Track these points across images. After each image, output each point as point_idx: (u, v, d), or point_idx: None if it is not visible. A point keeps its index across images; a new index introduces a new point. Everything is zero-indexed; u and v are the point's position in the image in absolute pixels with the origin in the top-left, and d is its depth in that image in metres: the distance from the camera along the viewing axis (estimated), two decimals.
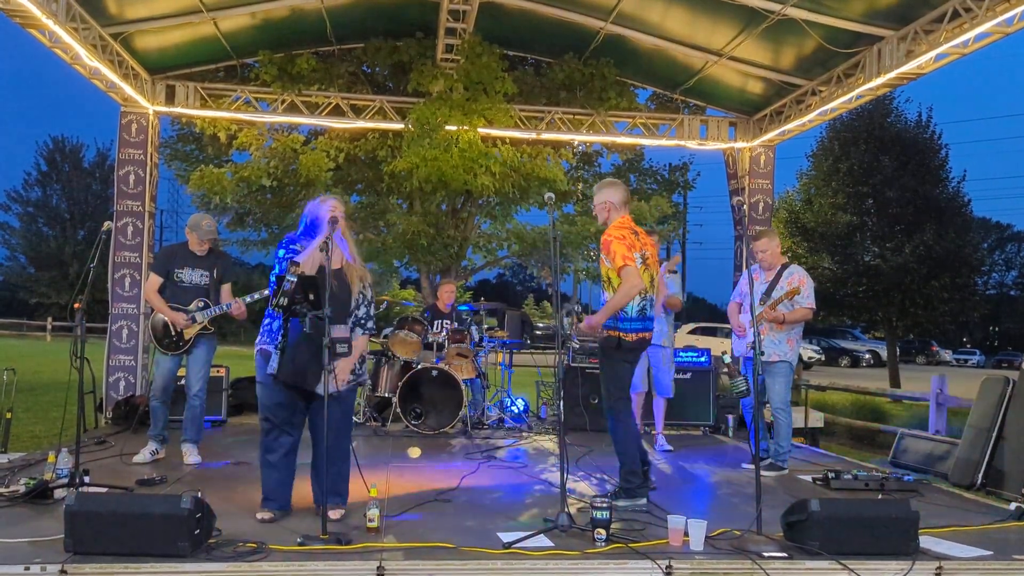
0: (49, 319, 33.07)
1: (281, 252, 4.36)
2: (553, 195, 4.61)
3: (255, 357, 4.41)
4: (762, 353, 4.13)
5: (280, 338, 4.20)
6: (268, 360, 4.29)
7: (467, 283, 13.74)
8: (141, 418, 7.23)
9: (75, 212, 42.48)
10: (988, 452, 6.90)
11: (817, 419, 8.75)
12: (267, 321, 4.36)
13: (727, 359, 4.44)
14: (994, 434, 6.92)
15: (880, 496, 4.88)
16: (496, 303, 9.06)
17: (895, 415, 11.23)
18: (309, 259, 4.17)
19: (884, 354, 32.94)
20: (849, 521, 3.82)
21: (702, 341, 28.23)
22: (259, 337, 4.41)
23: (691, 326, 34.38)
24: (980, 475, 6.81)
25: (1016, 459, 6.61)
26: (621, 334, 4.84)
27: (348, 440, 4.50)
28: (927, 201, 17.79)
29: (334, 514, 4.27)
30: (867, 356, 33.95)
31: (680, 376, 8.50)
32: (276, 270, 4.30)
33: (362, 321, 4.48)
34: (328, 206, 4.36)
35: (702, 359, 8.58)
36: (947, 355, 41.69)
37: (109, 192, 41.38)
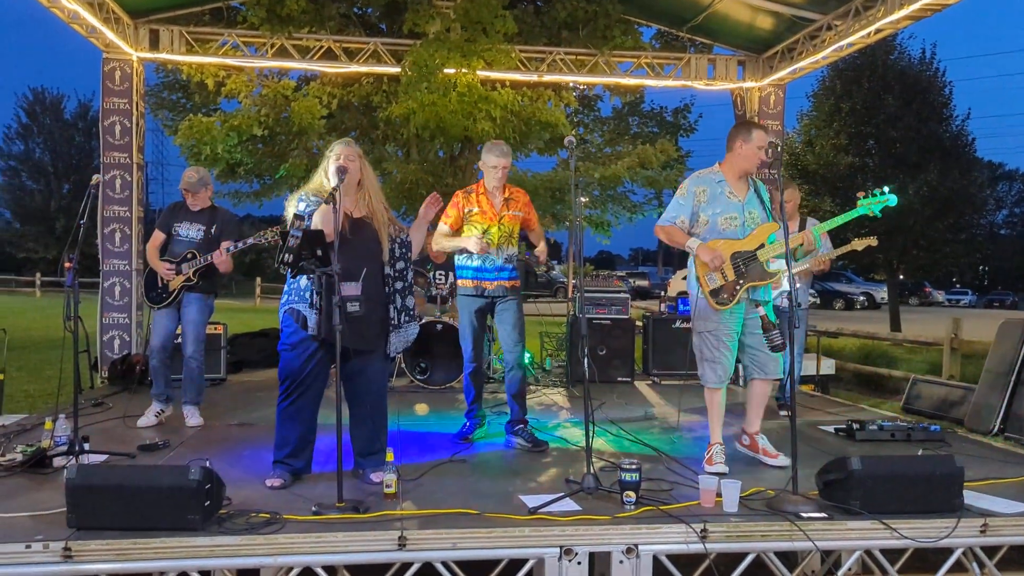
0: (38, 274, 32.62)
1: (303, 206, 4.06)
2: (574, 138, 4.34)
3: (280, 317, 4.17)
4: (799, 304, 3.91)
5: (314, 296, 3.97)
6: (298, 320, 4.05)
7: None
8: (139, 378, 7.03)
9: (59, 165, 41.63)
10: (1007, 397, 6.76)
11: (828, 366, 8.61)
12: (291, 278, 4.11)
13: (761, 312, 4.21)
14: (1013, 378, 6.76)
15: (920, 451, 4.70)
16: None
17: (903, 359, 11.13)
18: (322, 219, 3.90)
19: (878, 296, 33.09)
20: (892, 479, 3.65)
21: None
22: (284, 296, 4.17)
23: (684, 272, 34.23)
24: (998, 421, 6.68)
25: None
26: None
27: (386, 399, 4.43)
28: (931, 141, 17.45)
29: (376, 477, 4.11)
30: (861, 298, 33.96)
31: (691, 325, 8.33)
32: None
33: (403, 274, 4.28)
34: (334, 154, 4.07)
35: None
36: (940, 296, 41.80)
37: (92, 144, 40.83)
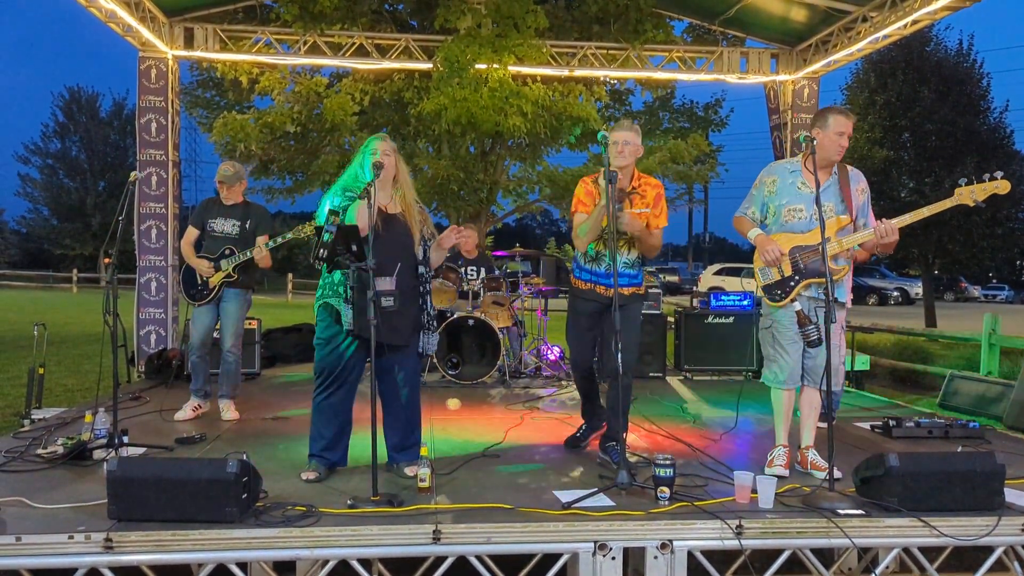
0: (75, 270, 33.22)
1: (337, 201, 4.09)
2: (607, 133, 4.28)
3: (315, 312, 4.23)
4: (836, 299, 3.83)
5: (348, 291, 4.02)
6: (332, 314, 4.11)
7: (492, 228, 13.47)
8: (175, 372, 7.13)
9: (94, 163, 42.36)
10: None
11: (863, 362, 8.49)
12: (326, 273, 4.16)
13: (797, 306, 4.15)
14: None
15: (960, 448, 4.62)
16: (531, 250, 8.79)
17: (939, 355, 10.95)
18: (358, 214, 3.94)
19: (912, 292, 32.55)
20: (930, 476, 3.59)
21: (728, 282, 27.98)
22: (319, 291, 4.22)
23: (716, 267, 34.07)
24: None
25: None
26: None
27: (419, 393, 4.47)
28: (967, 133, 17.12)
29: (411, 471, 4.14)
30: (895, 294, 33.45)
31: (723, 320, 8.29)
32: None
33: (425, 278, 4.33)
34: (370, 150, 4.11)
35: (744, 302, 8.34)
36: (976, 291, 41.02)
37: (127, 142, 41.55)
